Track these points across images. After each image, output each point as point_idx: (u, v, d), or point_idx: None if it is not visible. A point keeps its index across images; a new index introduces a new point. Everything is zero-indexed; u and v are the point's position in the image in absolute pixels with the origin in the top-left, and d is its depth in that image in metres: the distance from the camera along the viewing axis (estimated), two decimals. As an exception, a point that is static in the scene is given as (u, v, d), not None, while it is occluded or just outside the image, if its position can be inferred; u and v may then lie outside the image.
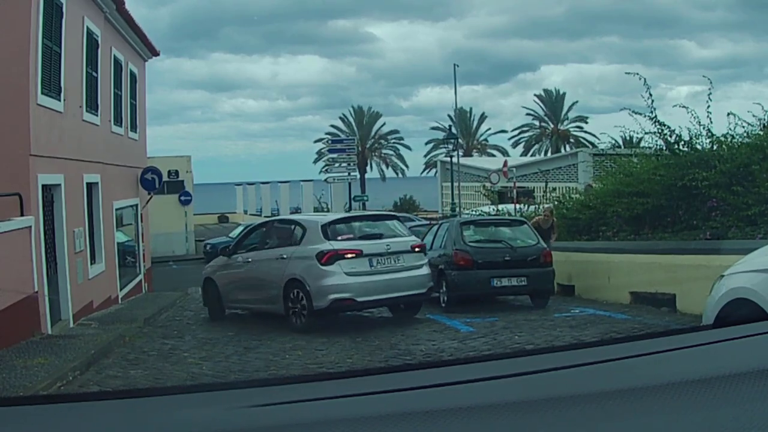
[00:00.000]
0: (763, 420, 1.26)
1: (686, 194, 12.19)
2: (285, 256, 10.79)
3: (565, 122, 61.16)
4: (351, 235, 10.81)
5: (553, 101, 61.55)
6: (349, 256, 10.29)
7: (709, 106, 12.63)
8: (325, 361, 8.33)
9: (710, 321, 5.24)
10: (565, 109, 61.28)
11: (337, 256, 10.22)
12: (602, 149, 26.93)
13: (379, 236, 10.86)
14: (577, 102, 64.15)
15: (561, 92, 62.74)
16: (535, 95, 68.15)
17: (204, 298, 13.03)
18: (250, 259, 11.73)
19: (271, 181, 51.93)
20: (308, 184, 43.46)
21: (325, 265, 10.17)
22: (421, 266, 10.87)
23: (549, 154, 53.63)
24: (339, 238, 10.59)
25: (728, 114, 12.45)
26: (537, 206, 20.93)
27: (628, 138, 16.94)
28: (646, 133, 13.33)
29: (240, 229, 35.62)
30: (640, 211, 12.85)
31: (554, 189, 23.24)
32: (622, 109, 13.56)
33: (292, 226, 11.52)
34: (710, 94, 12.81)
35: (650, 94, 13.27)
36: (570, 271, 12.00)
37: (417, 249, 10.94)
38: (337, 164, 39.14)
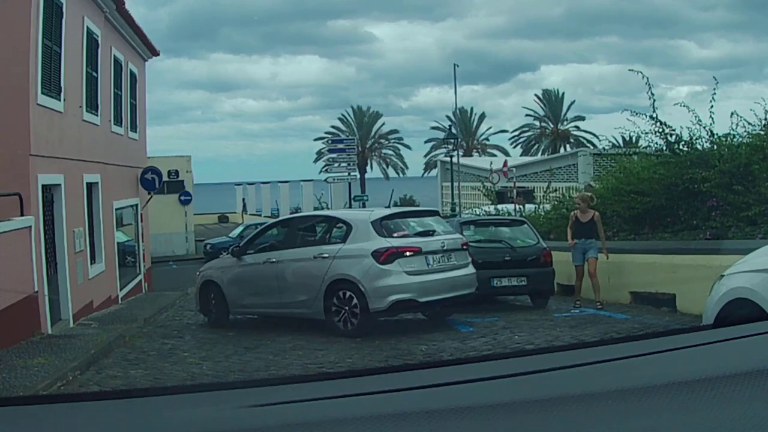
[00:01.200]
0: (763, 420, 1.26)
1: (686, 194, 12.18)
2: (326, 255, 9.96)
3: (565, 122, 61.19)
4: (406, 232, 10.21)
5: (553, 101, 61.56)
6: (408, 254, 9.68)
7: (712, 106, 12.63)
8: (325, 361, 8.32)
9: (710, 321, 5.24)
10: (565, 109, 61.33)
11: (397, 253, 9.61)
12: (602, 149, 26.94)
13: (432, 233, 10.31)
14: (574, 101, 63.94)
15: (561, 92, 62.80)
16: (535, 95, 68.19)
17: (201, 304, 11.70)
18: (273, 259, 10.70)
19: (271, 181, 51.94)
20: (308, 184, 43.46)
21: (383, 263, 9.51)
22: (468, 264, 10.37)
23: (549, 154, 53.62)
24: (395, 234, 9.98)
25: (731, 114, 12.44)
26: (537, 206, 20.91)
27: (628, 138, 16.94)
28: (646, 133, 13.31)
29: (240, 229, 35.83)
30: (640, 210, 12.84)
31: (556, 189, 23.23)
32: (623, 111, 13.55)
33: (332, 223, 10.84)
34: (714, 93, 12.82)
35: (652, 93, 13.27)
36: (570, 271, 11.97)
37: (464, 246, 10.49)
38: (337, 164, 39.19)
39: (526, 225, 13.33)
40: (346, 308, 9.63)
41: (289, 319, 10.41)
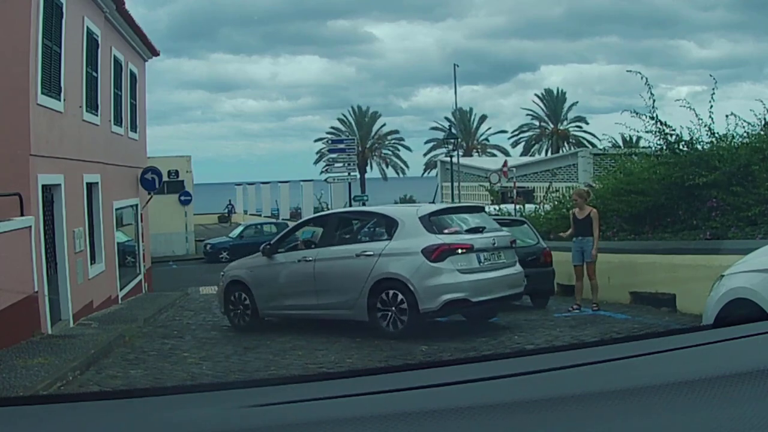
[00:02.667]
0: (763, 420, 1.26)
1: (686, 194, 12.18)
2: (370, 253, 9.49)
3: (565, 122, 61.20)
4: (456, 228, 9.73)
5: (553, 101, 61.57)
6: (460, 251, 9.20)
7: (711, 106, 12.64)
8: (325, 361, 8.32)
9: (710, 321, 5.25)
10: (565, 109, 61.34)
11: (449, 251, 9.13)
12: (602, 149, 26.95)
13: (482, 229, 9.83)
14: (577, 102, 64.01)
15: (562, 92, 62.80)
16: (535, 94, 68.20)
17: (225, 305, 11.09)
18: (308, 258, 10.15)
19: (271, 181, 51.95)
20: (308, 184, 43.43)
21: (435, 261, 9.04)
22: (515, 263, 9.97)
23: (549, 154, 53.64)
24: (445, 231, 9.50)
25: (727, 116, 12.45)
26: (537, 206, 20.91)
27: (628, 138, 16.94)
28: (646, 132, 13.31)
29: (240, 228, 35.85)
30: (640, 210, 12.85)
31: (557, 189, 23.24)
32: (623, 111, 13.54)
33: (375, 219, 10.37)
34: (714, 93, 12.82)
35: (651, 93, 13.27)
36: (570, 271, 11.97)
37: (513, 244, 10.13)
38: (337, 164, 39.20)
39: (526, 225, 13.31)
40: (393, 309, 9.16)
41: (327, 321, 9.90)
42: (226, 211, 53.44)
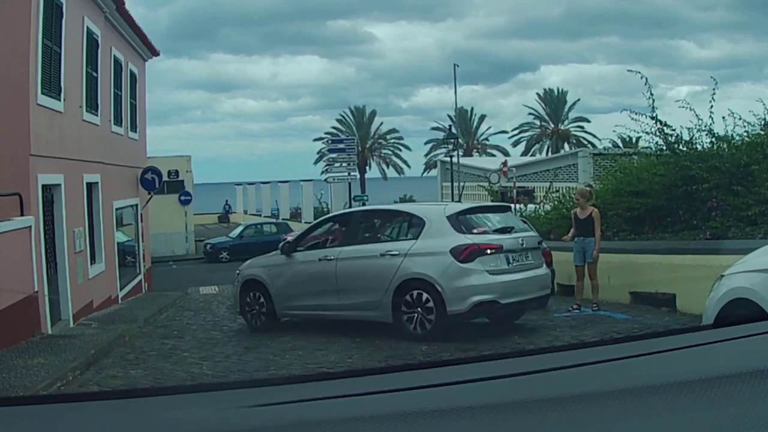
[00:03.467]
0: (763, 420, 1.26)
1: (686, 194, 12.17)
2: (396, 252, 9.22)
3: (566, 122, 61.21)
4: (485, 228, 9.47)
5: (554, 101, 61.57)
6: (489, 251, 8.94)
7: (711, 106, 12.63)
8: (325, 361, 8.32)
9: (710, 321, 5.25)
10: (566, 108, 61.33)
11: (478, 251, 8.87)
12: (602, 149, 26.94)
13: (510, 229, 9.63)
14: (578, 100, 63.97)
15: (563, 92, 62.80)
16: (537, 94, 68.18)
17: (241, 306, 10.81)
18: (330, 257, 9.86)
19: (271, 181, 51.97)
20: (308, 184, 43.44)
21: (464, 262, 8.78)
22: (542, 264, 9.79)
23: (549, 153, 53.64)
24: (474, 231, 9.24)
25: (723, 117, 12.45)
26: (537, 206, 20.90)
27: (627, 138, 16.93)
28: (646, 133, 13.30)
29: (240, 228, 35.85)
30: (640, 210, 12.84)
31: (557, 189, 23.24)
32: (623, 111, 13.53)
33: (400, 217, 10.13)
34: (714, 93, 12.81)
35: (651, 93, 13.26)
36: (570, 271, 11.96)
37: (540, 244, 9.96)
38: (337, 164, 39.17)
39: (525, 225, 13.30)
40: (419, 310, 8.89)
41: (349, 322, 9.63)
42: (224, 211, 53.32)
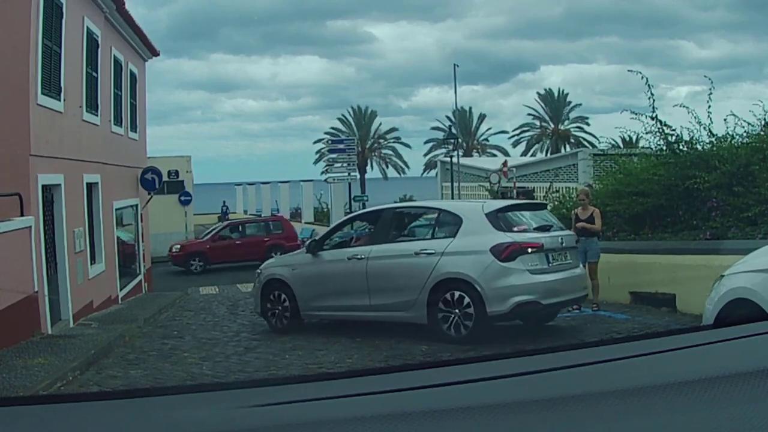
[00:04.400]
0: (763, 420, 1.26)
1: (686, 194, 12.18)
2: (431, 251, 8.88)
3: (566, 122, 61.20)
4: (525, 226, 9.17)
5: (555, 101, 61.56)
6: (530, 250, 8.65)
7: (710, 106, 12.64)
8: (325, 361, 8.32)
9: (710, 321, 5.25)
10: (567, 109, 61.30)
11: (519, 249, 8.56)
12: (602, 149, 26.90)
13: (549, 228, 9.38)
14: (580, 104, 63.97)
15: (564, 92, 62.77)
16: (537, 93, 68.16)
17: (262, 306, 10.47)
18: (359, 256, 9.49)
19: (271, 181, 51.98)
20: (308, 184, 43.48)
21: (505, 261, 8.46)
22: (579, 264, 9.57)
23: (549, 154, 53.63)
24: (514, 228, 8.94)
25: (724, 118, 12.46)
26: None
27: (627, 138, 16.93)
28: (646, 133, 13.31)
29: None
30: (640, 211, 12.84)
31: (557, 190, 23.23)
32: (623, 111, 13.55)
33: (434, 214, 9.75)
34: (711, 94, 12.82)
35: (652, 93, 13.27)
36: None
37: (576, 244, 9.73)
38: (337, 164, 39.15)
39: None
40: (457, 312, 8.54)
41: (380, 323, 9.30)
42: (221, 212, 52.97)
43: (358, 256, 9.52)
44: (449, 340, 8.51)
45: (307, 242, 10.53)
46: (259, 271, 10.92)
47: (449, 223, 9.22)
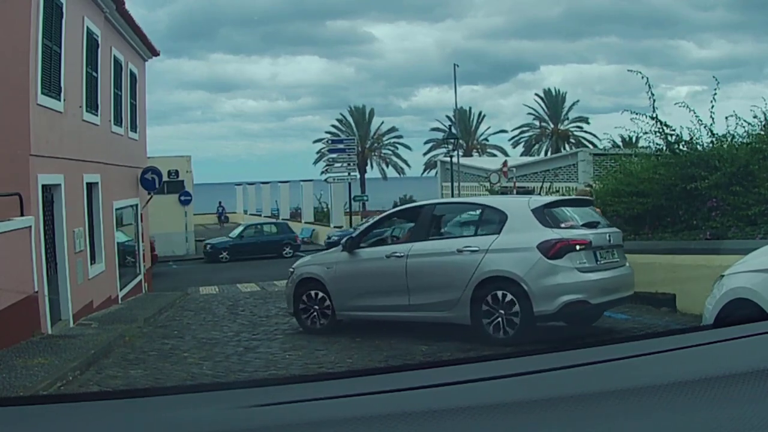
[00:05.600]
0: (763, 420, 1.26)
1: (686, 194, 12.17)
2: (475, 248, 8.56)
3: (566, 122, 61.20)
4: (572, 222, 8.83)
5: (555, 101, 61.55)
6: (579, 247, 8.32)
7: (712, 106, 12.64)
8: (325, 361, 8.33)
9: (710, 321, 5.25)
10: (566, 109, 61.33)
11: (568, 246, 8.24)
12: (602, 149, 26.92)
13: (597, 224, 9.06)
14: (578, 101, 64.02)
15: (563, 92, 62.80)
16: (536, 94, 68.14)
17: (295, 305, 10.12)
18: (399, 253, 9.18)
19: (271, 181, 51.99)
20: (308, 184, 43.49)
21: (553, 258, 8.16)
22: (626, 262, 9.22)
23: (549, 154, 53.63)
24: (562, 225, 8.61)
25: (727, 117, 12.45)
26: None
27: (627, 138, 16.94)
28: (645, 133, 13.31)
29: (240, 228, 35.87)
30: (640, 211, 12.84)
31: (557, 190, 23.23)
32: (623, 111, 13.54)
33: (478, 210, 9.47)
34: (715, 93, 12.82)
35: (652, 93, 13.27)
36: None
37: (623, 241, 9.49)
38: (337, 164, 39.06)
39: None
40: (502, 311, 8.23)
41: (419, 324, 9.01)
42: (217, 213, 52.60)
43: (398, 254, 9.21)
44: (493, 341, 8.16)
45: (344, 240, 10.20)
46: (292, 269, 10.62)
47: (493, 220, 8.91)
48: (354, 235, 10.35)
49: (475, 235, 9.00)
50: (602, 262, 8.63)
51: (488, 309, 8.32)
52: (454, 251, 8.76)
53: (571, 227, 8.68)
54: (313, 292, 9.89)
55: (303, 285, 10.05)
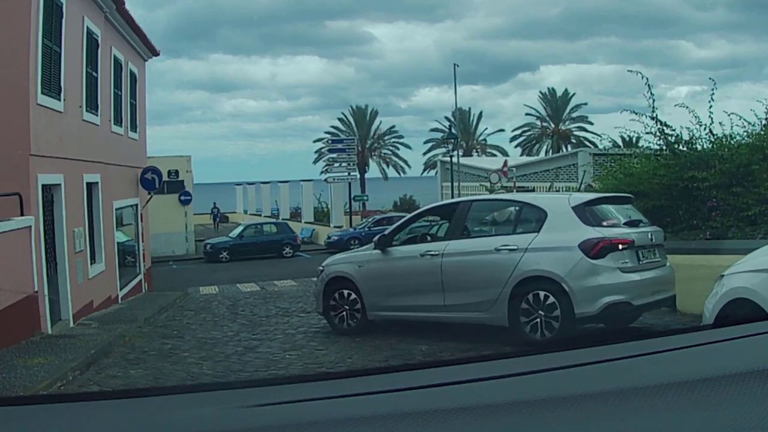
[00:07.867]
0: (763, 420, 1.26)
1: (686, 194, 12.18)
2: (514, 247, 8.27)
3: (566, 122, 61.18)
4: (614, 221, 8.52)
5: (555, 101, 61.53)
6: (621, 246, 8.04)
7: (711, 107, 12.64)
8: (325, 361, 8.33)
9: (710, 321, 5.25)
10: (568, 109, 61.25)
11: (610, 246, 7.95)
12: (602, 149, 26.90)
13: (639, 223, 8.78)
14: (586, 104, 63.98)
15: (563, 92, 62.72)
16: (540, 92, 68.12)
17: (325, 305, 9.87)
18: (433, 252, 8.91)
19: (271, 181, 51.98)
20: (308, 184, 43.46)
21: (595, 258, 7.87)
22: (667, 262, 8.89)
23: (549, 154, 53.63)
24: (604, 223, 8.31)
25: (729, 116, 12.45)
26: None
27: (627, 138, 16.92)
28: (646, 133, 13.31)
29: (240, 228, 35.86)
30: (640, 211, 12.84)
31: (557, 190, 23.22)
32: (623, 111, 13.55)
33: (517, 208, 9.12)
34: (713, 94, 12.82)
35: (652, 93, 13.27)
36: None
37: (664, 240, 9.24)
38: (337, 164, 39.02)
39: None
40: (542, 313, 7.94)
41: (454, 325, 8.73)
42: (212, 214, 52.17)
43: (432, 252, 8.93)
44: (532, 343, 7.86)
45: (376, 237, 9.89)
46: (321, 267, 10.35)
47: (532, 218, 8.63)
48: (386, 232, 10.00)
49: (513, 233, 8.70)
50: (644, 261, 8.36)
51: (527, 308, 8.03)
52: (491, 250, 8.48)
53: (614, 225, 8.41)
54: (345, 292, 9.63)
55: (333, 284, 9.81)
